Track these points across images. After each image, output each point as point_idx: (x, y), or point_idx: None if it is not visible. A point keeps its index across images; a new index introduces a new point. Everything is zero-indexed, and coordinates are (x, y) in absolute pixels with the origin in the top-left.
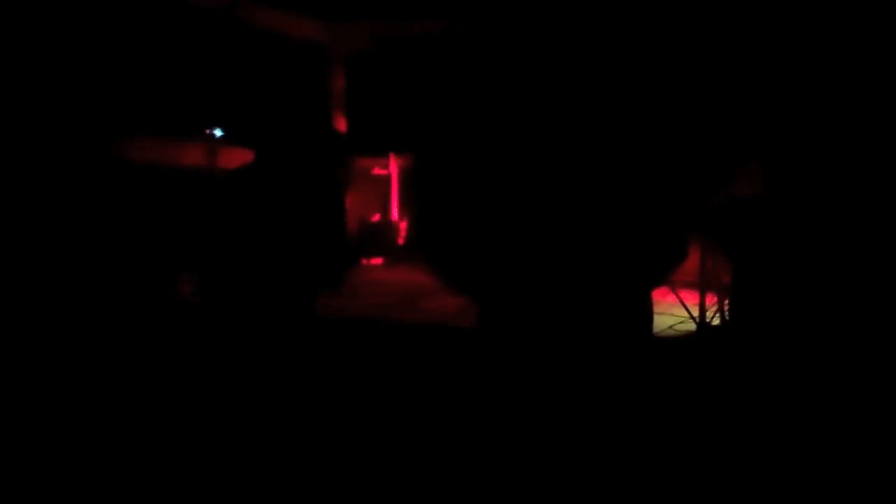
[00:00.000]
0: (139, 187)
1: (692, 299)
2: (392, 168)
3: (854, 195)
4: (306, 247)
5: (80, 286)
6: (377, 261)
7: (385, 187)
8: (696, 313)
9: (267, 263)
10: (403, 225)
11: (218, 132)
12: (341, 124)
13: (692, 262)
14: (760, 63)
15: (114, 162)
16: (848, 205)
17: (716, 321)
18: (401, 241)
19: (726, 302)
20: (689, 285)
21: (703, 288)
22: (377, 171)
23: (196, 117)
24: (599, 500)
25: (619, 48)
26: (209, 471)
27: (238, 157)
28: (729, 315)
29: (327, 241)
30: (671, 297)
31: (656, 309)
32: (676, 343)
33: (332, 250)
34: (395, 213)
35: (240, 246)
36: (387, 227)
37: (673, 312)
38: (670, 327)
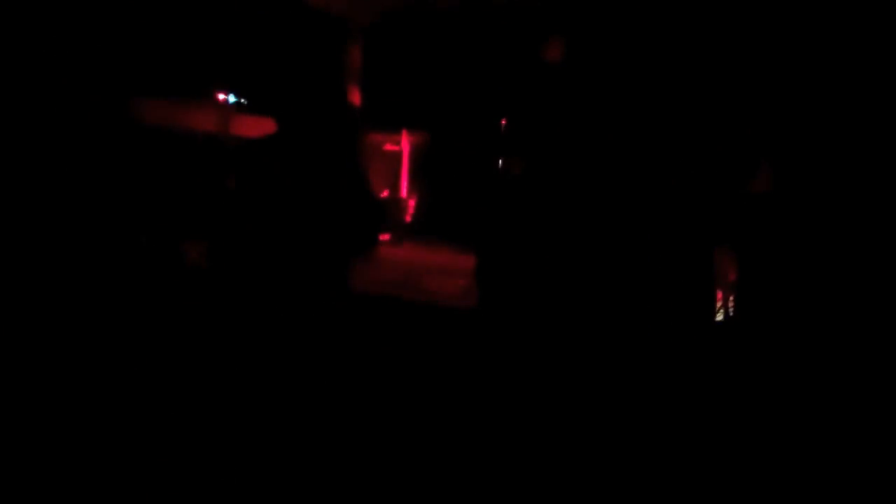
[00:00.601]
0: (150, 149)
1: None
2: (404, 144)
3: (860, 196)
4: (333, 217)
5: (87, 248)
6: (384, 237)
7: (396, 163)
8: None
9: (291, 233)
10: (412, 202)
11: (232, 98)
12: (356, 98)
13: None
14: (776, 71)
15: (124, 122)
16: (854, 205)
17: (719, 317)
18: (408, 218)
19: (731, 298)
20: None
21: None
22: (389, 146)
23: (210, 82)
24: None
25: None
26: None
27: (251, 124)
28: (733, 311)
29: (353, 210)
30: None
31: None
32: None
33: (359, 220)
34: (404, 189)
35: (265, 214)
36: (395, 203)
37: None
38: None
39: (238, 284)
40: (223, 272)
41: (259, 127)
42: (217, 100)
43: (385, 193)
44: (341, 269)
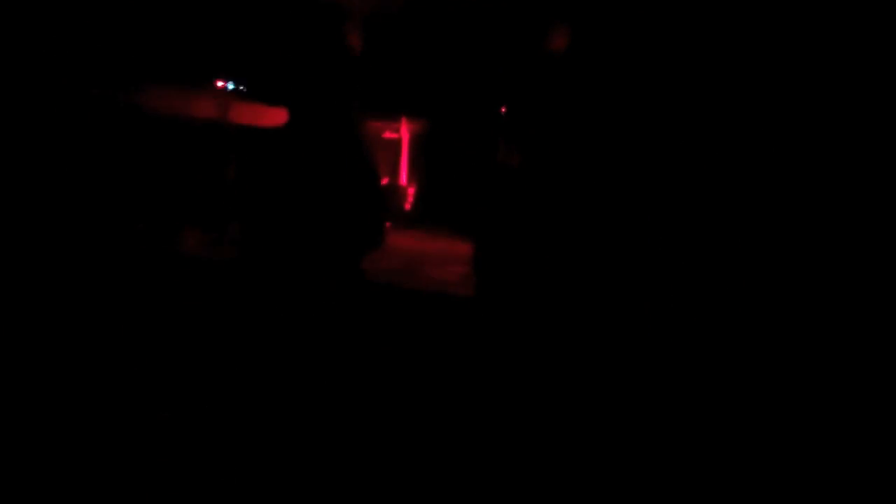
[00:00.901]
0: (147, 137)
1: None
2: (403, 132)
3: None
4: (343, 208)
5: (83, 234)
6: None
7: (395, 151)
8: None
9: (297, 223)
10: (411, 190)
11: (231, 85)
12: (356, 85)
13: None
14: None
15: (123, 110)
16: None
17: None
18: (408, 206)
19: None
20: None
21: None
22: (388, 134)
23: (208, 69)
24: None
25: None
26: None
27: (250, 112)
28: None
29: (365, 201)
30: None
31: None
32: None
33: (370, 211)
34: (403, 177)
35: (277, 202)
36: (394, 191)
37: None
38: None
39: (239, 273)
40: (224, 261)
41: (259, 115)
42: (215, 87)
43: (384, 181)
44: (355, 258)
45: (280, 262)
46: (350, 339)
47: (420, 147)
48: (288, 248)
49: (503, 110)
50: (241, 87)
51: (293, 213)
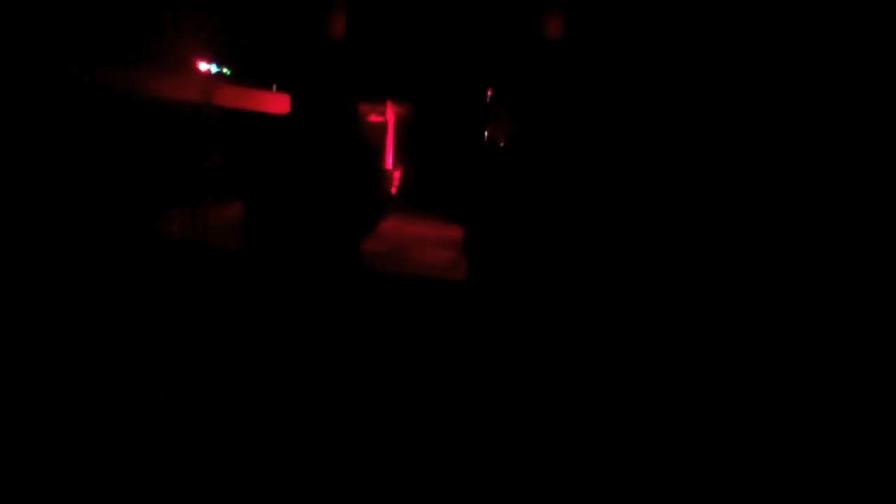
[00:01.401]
0: (130, 120)
1: None
2: (389, 116)
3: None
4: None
5: (64, 222)
6: None
7: (380, 135)
8: None
9: (304, 208)
10: (398, 174)
11: (214, 69)
12: (340, 69)
13: None
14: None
15: (100, 93)
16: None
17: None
18: (394, 190)
19: None
20: None
21: None
22: (373, 117)
23: (189, 52)
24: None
25: None
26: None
27: (234, 95)
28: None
29: (358, 187)
30: None
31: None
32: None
33: (364, 197)
34: (389, 161)
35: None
36: (381, 175)
37: None
38: None
39: (234, 260)
40: (215, 247)
41: (244, 98)
42: (198, 69)
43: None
44: (353, 244)
45: (278, 247)
46: (342, 326)
47: (406, 130)
48: (286, 232)
49: (490, 93)
50: (225, 71)
51: (291, 197)
